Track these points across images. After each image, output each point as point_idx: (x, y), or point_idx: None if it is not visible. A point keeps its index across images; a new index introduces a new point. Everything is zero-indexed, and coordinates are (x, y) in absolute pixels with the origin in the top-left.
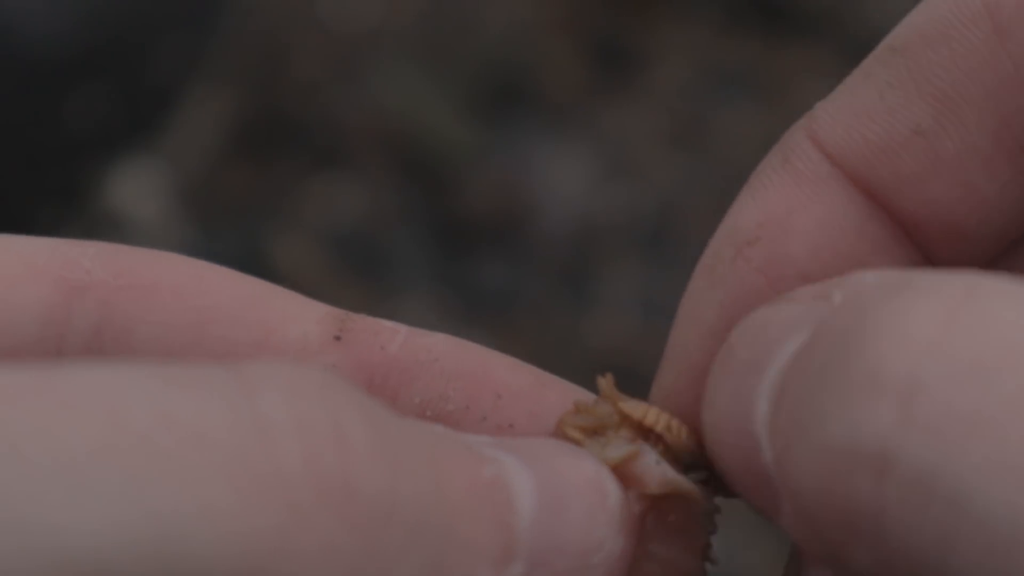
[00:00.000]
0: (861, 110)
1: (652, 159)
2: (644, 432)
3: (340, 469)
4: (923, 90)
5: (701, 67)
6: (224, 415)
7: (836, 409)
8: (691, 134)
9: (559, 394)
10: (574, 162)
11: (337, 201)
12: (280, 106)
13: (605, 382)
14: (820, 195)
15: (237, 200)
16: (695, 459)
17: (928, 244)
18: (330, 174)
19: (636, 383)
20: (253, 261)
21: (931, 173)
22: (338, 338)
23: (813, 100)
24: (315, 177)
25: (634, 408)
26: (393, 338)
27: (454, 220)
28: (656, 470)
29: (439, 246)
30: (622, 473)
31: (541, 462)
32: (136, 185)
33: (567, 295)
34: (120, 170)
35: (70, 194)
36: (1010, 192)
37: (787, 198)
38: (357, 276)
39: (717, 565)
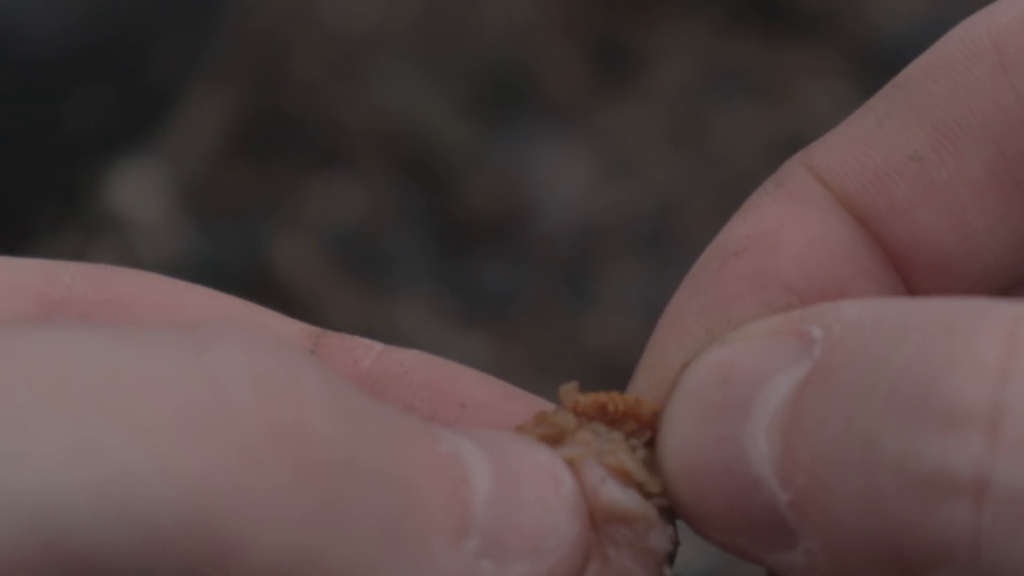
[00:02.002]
0: (858, 138)
1: (652, 159)
2: (610, 423)
3: (294, 418)
4: (923, 119)
5: (701, 67)
6: (174, 366)
7: (919, 444)
8: (691, 134)
9: (524, 406)
10: (574, 162)
11: (337, 201)
12: (280, 106)
13: (566, 389)
14: (811, 215)
15: (237, 200)
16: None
17: (913, 274)
18: (330, 174)
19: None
20: (252, 261)
21: (923, 200)
22: (313, 352)
23: (813, 100)
24: (315, 177)
25: (592, 397)
26: (367, 354)
27: (454, 220)
28: (601, 489)
29: (439, 246)
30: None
31: (497, 448)
32: (136, 185)
33: (567, 295)
34: (120, 170)
35: (70, 194)
36: (1000, 229)
37: (778, 215)
38: (357, 276)
39: None
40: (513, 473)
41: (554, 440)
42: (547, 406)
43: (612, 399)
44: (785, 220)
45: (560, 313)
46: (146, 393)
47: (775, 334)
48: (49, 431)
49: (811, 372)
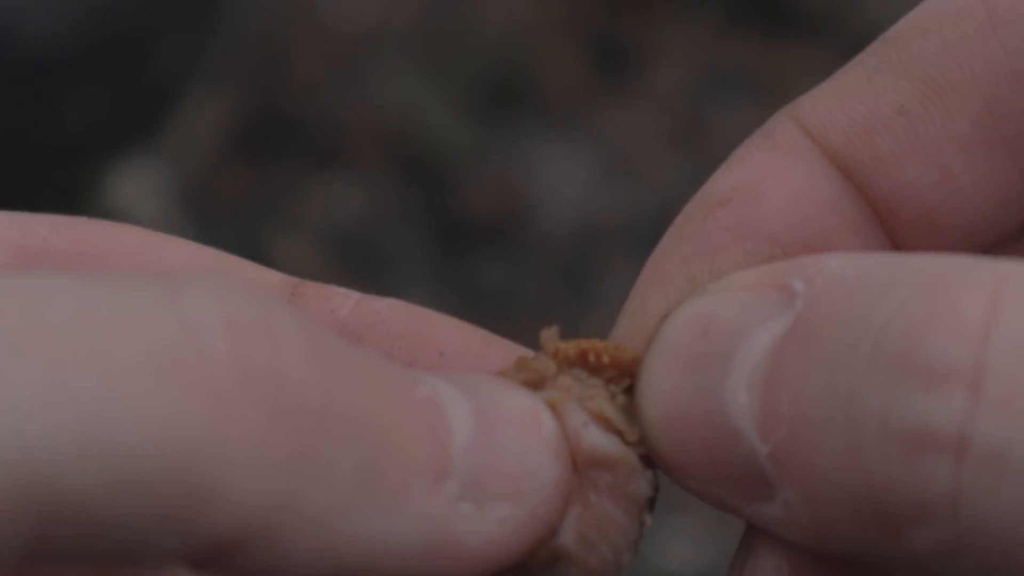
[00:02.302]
0: (846, 92)
1: (652, 159)
2: (590, 370)
3: (269, 363)
4: (911, 74)
5: (701, 67)
6: (148, 311)
7: (901, 401)
8: (691, 134)
9: (503, 353)
10: (574, 162)
11: (337, 201)
12: (280, 106)
13: (547, 335)
14: (797, 166)
15: (237, 200)
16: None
17: (898, 229)
18: (330, 174)
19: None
20: (252, 260)
21: (910, 154)
22: (290, 301)
23: None
24: (315, 177)
25: (574, 344)
26: (344, 303)
27: (454, 220)
28: (584, 434)
29: (438, 246)
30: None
31: (476, 391)
32: (136, 185)
33: (566, 295)
34: (120, 170)
35: (70, 194)
36: (986, 185)
37: (763, 167)
38: (356, 276)
39: (648, 525)
40: (493, 416)
41: (534, 385)
42: (527, 353)
43: (593, 346)
44: (771, 172)
45: (560, 313)
46: (120, 338)
47: (757, 286)
48: (23, 375)
49: (793, 326)
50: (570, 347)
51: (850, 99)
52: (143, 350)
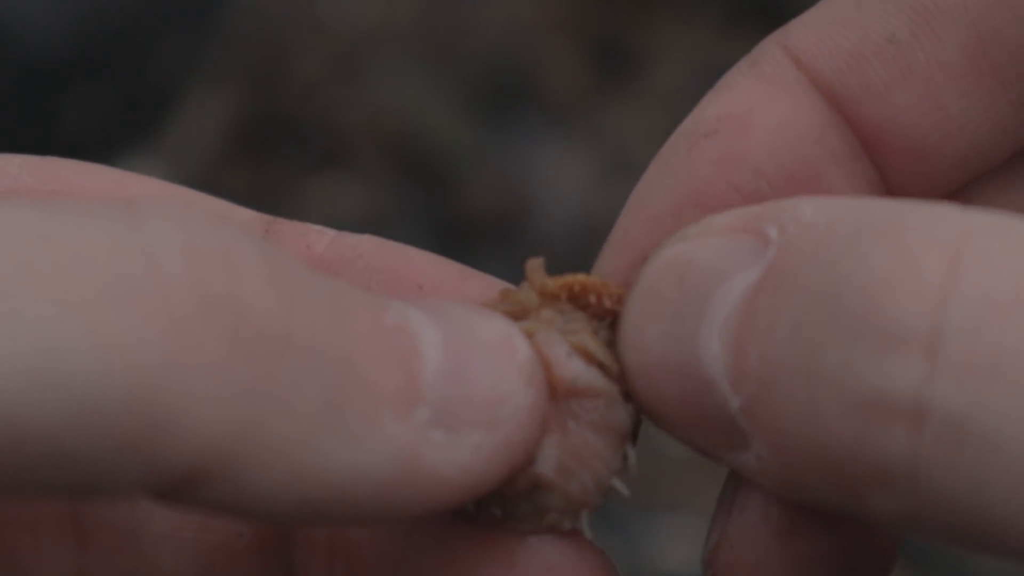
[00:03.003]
0: (836, 19)
1: (652, 159)
2: (575, 305)
3: (229, 291)
4: (900, 1)
5: (701, 67)
6: (106, 238)
7: (858, 363)
8: None
9: (482, 286)
10: (574, 162)
11: (337, 201)
12: (280, 106)
13: (532, 266)
14: (784, 97)
15: (237, 200)
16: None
17: (886, 160)
18: (330, 174)
19: None
20: None
21: (899, 84)
22: (264, 237)
23: None
24: (315, 177)
25: (560, 278)
26: (320, 239)
27: (454, 220)
28: (566, 364)
29: (439, 246)
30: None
31: (448, 317)
32: None
33: None
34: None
35: None
36: (976, 115)
37: (750, 97)
38: None
39: (633, 458)
40: (465, 342)
41: (516, 316)
42: (507, 286)
43: (578, 280)
44: (757, 102)
45: None
46: (78, 265)
47: (733, 231)
48: None
49: (764, 276)
50: (556, 282)
51: (839, 26)
52: (101, 279)
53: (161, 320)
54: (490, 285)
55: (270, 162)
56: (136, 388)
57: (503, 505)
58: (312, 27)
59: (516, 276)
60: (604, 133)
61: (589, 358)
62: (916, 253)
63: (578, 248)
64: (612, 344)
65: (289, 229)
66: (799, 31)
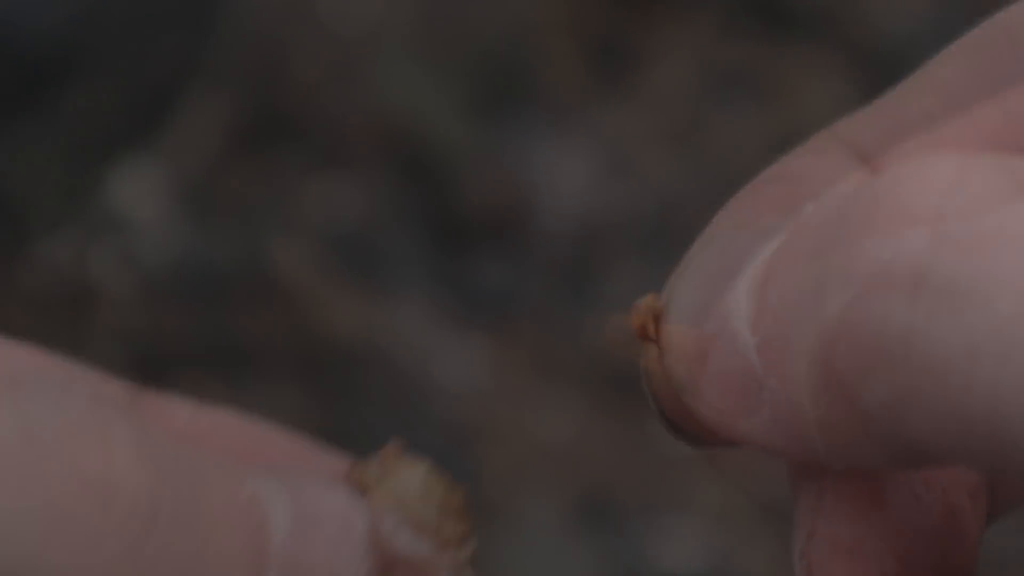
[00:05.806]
0: (884, 110)
1: (652, 159)
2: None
3: (103, 470)
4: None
5: (701, 67)
6: None
7: (863, 246)
8: (691, 134)
9: (334, 461)
10: (574, 161)
11: (337, 201)
12: (280, 106)
13: (388, 448)
14: (834, 159)
15: (237, 200)
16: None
17: None
18: (330, 174)
19: (636, 384)
20: (252, 261)
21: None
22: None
23: (813, 101)
24: (315, 177)
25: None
26: (181, 412)
27: (454, 219)
28: (394, 536)
29: (438, 246)
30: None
31: (299, 488)
32: (136, 185)
33: (567, 295)
34: (120, 170)
35: (70, 194)
36: None
37: (808, 161)
38: (356, 276)
39: None
40: (311, 515)
41: (363, 488)
42: (356, 460)
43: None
44: (814, 164)
45: (561, 313)
46: None
47: (781, 214)
48: None
49: (793, 228)
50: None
51: (887, 115)
52: None
53: (39, 500)
54: (341, 461)
55: (270, 162)
56: (12, 561)
57: None
58: (312, 27)
59: (516, 275)
60: (604, 132)
61: (421, 527)
62: (926, 160)
63: (579, 247)
64: (448, 511)
65: (152, 402)
66: (848, 126)
